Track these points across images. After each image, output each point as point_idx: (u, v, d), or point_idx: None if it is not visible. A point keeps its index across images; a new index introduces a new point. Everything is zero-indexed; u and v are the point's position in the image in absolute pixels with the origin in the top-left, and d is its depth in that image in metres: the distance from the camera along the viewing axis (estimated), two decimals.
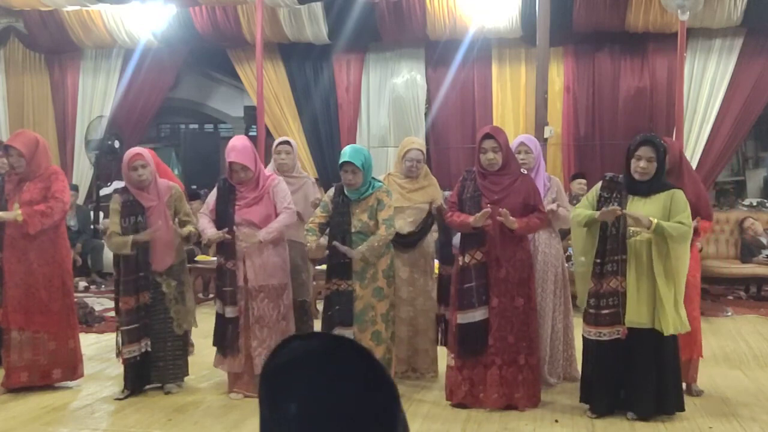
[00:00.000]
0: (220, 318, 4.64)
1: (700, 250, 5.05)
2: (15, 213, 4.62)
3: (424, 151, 5.19)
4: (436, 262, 5.15)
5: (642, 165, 4.10)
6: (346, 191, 4.54)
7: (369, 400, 0.92)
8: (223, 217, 4.60)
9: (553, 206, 4.70)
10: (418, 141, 5.38)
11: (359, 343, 0.99)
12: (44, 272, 4.75)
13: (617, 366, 4.14)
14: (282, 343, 0.98)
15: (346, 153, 4.51)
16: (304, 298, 5.05)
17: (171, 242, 4.67)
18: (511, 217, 4.20)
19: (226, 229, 4.53)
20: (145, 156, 4.67)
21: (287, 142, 5.26)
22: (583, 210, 4.25)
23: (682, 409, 4.22)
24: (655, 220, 4.00)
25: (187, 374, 4.88)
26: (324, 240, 4.67)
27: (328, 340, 0.98)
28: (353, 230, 4.48)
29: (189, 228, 4.71)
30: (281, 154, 5.16)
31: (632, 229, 4.10)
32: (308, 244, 4.56)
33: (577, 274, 4.32)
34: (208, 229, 4.60)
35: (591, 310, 4.17)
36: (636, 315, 4.09)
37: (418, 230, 4.94)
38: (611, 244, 4.13)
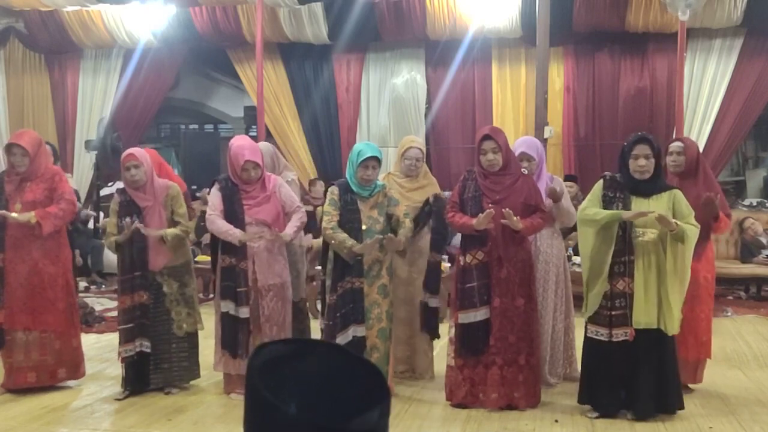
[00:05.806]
0: (231, 319, 4.52)
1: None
2: (29, 215, 4.59)
3: (424, 150, 5.18)
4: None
5: (641, 163, 4.08)
6: (355, 189, 4.44)
7: (362, 384, 0.99)
8: (231, 217, 4.54)
9: (549, 202, 4.66)
10: (418, 140, 5.36)
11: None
12: (49, 272, 4.73)
13: (622, 367, 4.13)
14: (258, 348, 1.03)
15: (366, 149, 4.40)
16: (301, 298, 5.04)
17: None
18: (515, 217, 4.19)
19: (265, 230, 4.49)
20: (139, 156, 4.64)
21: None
22: (600, 209, 4.14)
23: (683, 407, 4.22)
24: (679, 223, 3.98)
25: (198, 376, 4.84)
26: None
27: (301, 343, 1.06)
28: (364, 227, 4.42)
29: (167, 231, 4.61)
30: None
31: (640, 229, 4.09)
32: (348, 243, 4.28)
33: (587, 274, 4.19)
34: (233, 229, 4.47)
35: (605, 312, 4.13)
36: (644, 316, 4.07)
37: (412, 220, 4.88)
38: (618, 245, 4.09)
